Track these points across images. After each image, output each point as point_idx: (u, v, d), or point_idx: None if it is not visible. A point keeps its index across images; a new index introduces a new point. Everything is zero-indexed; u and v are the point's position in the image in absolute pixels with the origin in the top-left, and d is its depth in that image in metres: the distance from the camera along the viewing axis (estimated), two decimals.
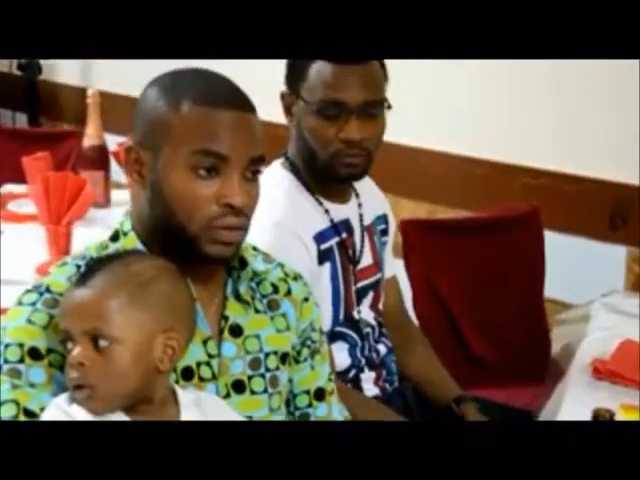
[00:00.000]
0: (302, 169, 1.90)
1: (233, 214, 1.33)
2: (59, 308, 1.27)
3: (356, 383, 1.95)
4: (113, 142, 2.95)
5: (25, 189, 2.79)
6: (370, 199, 2.03)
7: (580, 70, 2.83)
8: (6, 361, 1.27)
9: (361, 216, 1.99)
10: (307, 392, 1.51)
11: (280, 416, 1.46)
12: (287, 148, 1.94)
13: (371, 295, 2.00)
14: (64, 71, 4.22)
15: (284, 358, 1.46)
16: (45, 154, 2.82)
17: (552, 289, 2.72)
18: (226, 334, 1.40)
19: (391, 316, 2.10)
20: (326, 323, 1.85)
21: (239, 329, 1.42)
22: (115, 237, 1.41)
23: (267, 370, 1.43)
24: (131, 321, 1.23)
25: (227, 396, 1.39)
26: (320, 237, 1.88)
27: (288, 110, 1.88)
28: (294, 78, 1.85)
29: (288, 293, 1.49)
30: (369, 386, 1.97)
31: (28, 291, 1.34)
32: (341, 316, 1.93)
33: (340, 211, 1.93)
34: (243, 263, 1.44)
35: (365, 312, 1.99)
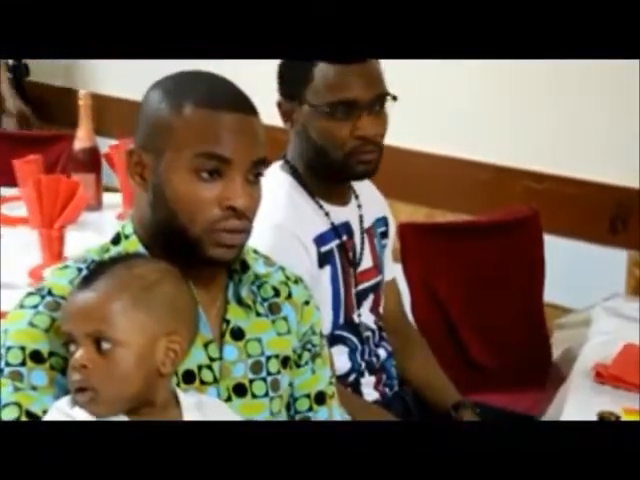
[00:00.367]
0: (303, 172, 1.94)
1: (235, 217, 1.35)
2: (62, 311, 1.30)
3: (356, 387, 1.98)
4: (104, 145, 2.99)
5: (16, 192, 2.82)
6: (370, 201, 2.06)
7: (580, 73, 2.85)
8: (8, 364, 1.30)
9: (361, 218, 2.02)
10: (308, 396, 1.53)
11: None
12: (285, 151, 1.97)
13: (371, 298, 2.03)
14: (52, 72, 4.24)
15: (285, 362, 1.48)
16: (37, 157, 2.85)
17: (552, 293, 2.75)
18: (227, 337, 1.43)
19: (391, 319, 2.13)
20: (326, 326, 1.87)
21: (240, 332, 1.44)
22: (116, 240, 1.43)
23: (268, 374, 1.46)
24: (134, 324, 1.26)
25: (228, 400, 1.41)
26: (320, 240, 1.91)
27: (288, 117, 1.91)
28: (295, 83, 1.88)
29: (289, 296, 1.52)
30: (369, 390, 2.00)
31: (30, 294, 1.36)
32: (341, 319, 1.96)
33: (340, 214, 1.97)
34: (244, 266, 1.46)
35: (365, 315, 2.02)
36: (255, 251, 1.53)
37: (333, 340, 1.91)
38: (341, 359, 1.94)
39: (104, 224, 2.75)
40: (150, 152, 1.37)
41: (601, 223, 2.92)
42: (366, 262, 2.02)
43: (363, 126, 1.85)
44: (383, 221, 2.11)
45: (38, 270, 2.29)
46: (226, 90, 1.39)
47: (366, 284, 2.02)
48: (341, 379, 1.90)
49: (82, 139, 2.91)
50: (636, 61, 2.64)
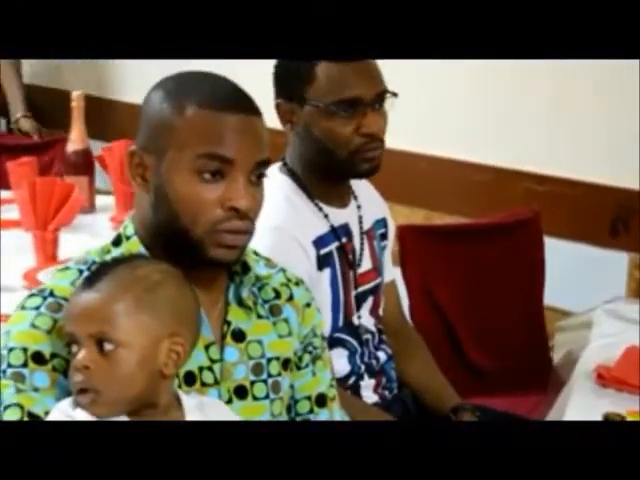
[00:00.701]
0: (302, 174, 1.97)
1: (238, 218, 1.37)
2: (64, 311, 1.32)
3: (355, 390, 2.00)
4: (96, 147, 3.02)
5: (9, 195, 2.85)
6: (369, 203, 2.09)
7: (581, 74, 2.88)
8: (10, 365, 1.32)
9: (360, 220, 2.05)
10: (308, 398, 1.55)
11: None
12: (284, 154, 2.00)
13: (371, 300, 2.06)
14: (43, 75, 4.26)
15: (286, 364, 1.50)
16: (30, 159, 2.87)
17: (552, 296, 2.77)
18: (228, 339, 1.45)
19: (390, 322, 2.16)
20: (325, 329, 1.87)
21: (241, 334, 1.46)
22: (117, 241, 1.45)
23: (269, 376, 1.47)
24: (137, 325, 1.28)
25: (229, 401, 1.43)
26: (320, 242, 1.94)
27: (287, 119, 1.94)
28: (295, 84, 1.91)
29: (290, 298, 1.53)
30: (368, 393, 2.02)
31: (32, 295, 1.38)
32: (340, 322, 1.98)
33: (339, 216, 1.99)
34: (246, 268, 1.48)
35: (365, 318, 2.04)
36: (256, 253, 1.55)
37: (332, 343, 1.93)
38: (340, 362, 1.96)
39: (97, 227, 2.77)
40: (152, 153, 1.39)
41: (602, 225, 2.94)
42: (365, 264, 2.05)
43: (368, 123, 1.89)
44: (382, 223, 2.14)
45: (33, 272, 2.31)
46: (228, 90, 1.41)
47: (366, 286, 2.04)
48: (340, 382, 1.92)
49: (75, 141, 2.93)
50: (636, 61, 2.66)
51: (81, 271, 1.40)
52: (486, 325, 2.61)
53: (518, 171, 3.09)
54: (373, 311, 2.08)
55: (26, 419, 1.30)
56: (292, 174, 1.98)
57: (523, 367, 2.60)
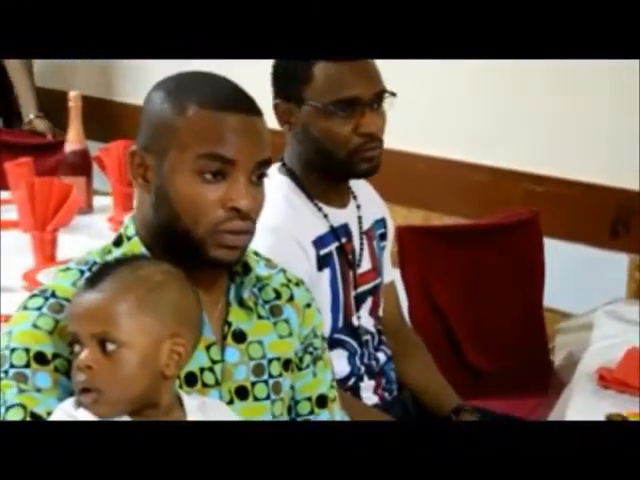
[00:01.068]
0: (301, 174, 1.98)
1: (239, 218, 1.38)
2: (67, 311, 1.33)
3: (355, 391, 2.01)
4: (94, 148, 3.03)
5: (7, 195, 2.86)
6: (368, 203, 2.10)
7: (581, 74, 2.88)
8: (12, 365, 1.33)
9: (360, 220, 2.06)
10: (309, 399, 1.56)
11: None
12: (282, 154, 2.00)
13: (370, 301, 2.07)
14: (47, 76, 4.27)
15: (287, 364, 1.51)
16: (28, 159, 2.87)
17: (552, 297, 2.78)
18: (229, 340, 1.46)
19: (390, 323, 2.16)
20: (325, 330, 1.87)
21: (242, 335, 1.47)
22: (118, 241, 1.46)
23: (270, 376, 1.48)
24: (139, 325, 1.29)
25: (230, 402, 1.44)
26: (319, 242, 1.95)
27: (286, 119, 1.95)
28: (293, 84, 1.92)
29: (290, 299, 1.54)
30: (368, 395, 2.03)
31: (33, 295, 1.39)
32: (340, 323, 1.99)
33: (339, 216, 2.00)
34: (246, 268, 1.48)
35: (364, 319, 2.05)
36: (256, 253, 1.55)
37: (332, 343, 1.94)
38: (340, 363, 1.97)
39: (95, 227, 2.78)
40: (153, 153, 1.40)
41: (602, 226, 2.94)
42: (365, 264, 2.06)
43: (367, 123, 1.90)
44: (382, 223, 2.15)
45: (32, 273, 2.32)
46: (229, 90, 1.42)
47: (365, 286, 2.05)
48: (340, 383, 1.92)
49: (72, 141, 2.94)
50: (636, 61, 2.66)
51: (82, 271, 1.41)
52: (485, 326, 2.62)
53: (517, 172, 3.10)
54: (373, 312, 2.09)
55: (28, 419, 1.31)
56: (291, 174, 1.99)
57: (523, 368, 2.61)
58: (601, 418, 1.77)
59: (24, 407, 1.32)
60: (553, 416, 2.01)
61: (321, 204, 1.99)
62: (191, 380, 1.41)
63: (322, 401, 1.57)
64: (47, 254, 2.43)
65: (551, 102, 3.02)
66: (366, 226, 2.08)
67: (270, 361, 1.49)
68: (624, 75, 2.80)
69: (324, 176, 1.97)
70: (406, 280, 2.53)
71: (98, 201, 3.01)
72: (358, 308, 2.04)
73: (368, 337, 2.06)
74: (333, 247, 1.98)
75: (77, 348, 1.29)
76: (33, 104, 3.73)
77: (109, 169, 2.94)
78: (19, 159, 2.86)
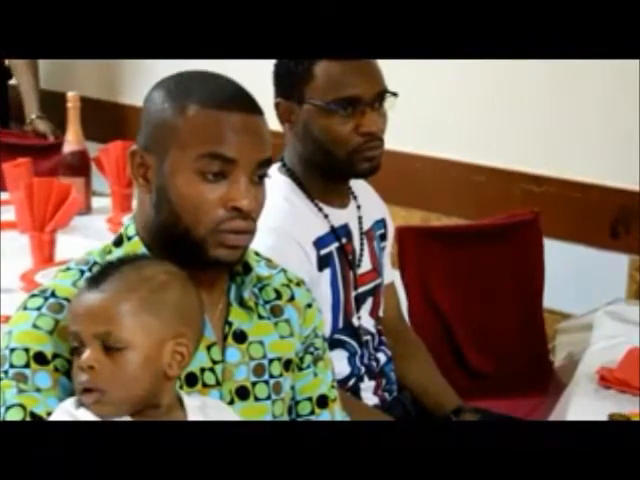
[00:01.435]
0: (301, 174, 1.98)
1: (240, 217, 1.38)
2: (69, 311, 1.33)
3: (355, 392, 2.01)
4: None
5: (6, 196, 2.87)
6: (368, 204, 2.11)
7: (581, 74, 2.89)
8: (12, 365, 1.33)
9: (360, 220, 2.06)
10: (309, 399, 1.56)
11: None
12: (282, 154, 2.01)
13: (370, 301, 2.07)
14: (51, 78, 4.27)
15: (287, 364, 1.51)
16: (26, 160, 2.88)
17: (552, 298, 2.78)
18: (230, 340, 1.46)
19: (390, 324, 2.17)
20: (325, 330, 1.88)
21: (243, 335, 1.47)
22: (119, 241, 1.46)
23: (271, 376, 1.48)
24: (142, 326, 1.29)
25: (231, 402, 1.44)
26: (320, 242, 1.96)
27: (286, 118, 1.95)
28: (294, 83, 1.92)
29: (291, 299, 1.55)
30: (368, 395, 2.03)
31: (33, 295, 1.39)
32: (340, 323, 1.99)
33: (339, 216, 2.01)
34: (247, 268, 1.49)
35: (365, 319, 2.06)
36: (257, 253, 1.56)
37: (332, 344, 1.94)
38: (340, 363, 1.97)
39: (93, 228, 2.78)
40: (153, 153, 1.40)
41: (602, 227, 2.95)
42: (365, 265, 2.06)
43: (368, 122, 1.91)
44: (382, 223, 2.15)
45: (30, 274, 2.32)
46: (230, 90, 1.42)
47: (365, 287, 2.06)
48: (340, 384, 1.92)
49: (71, 142, 2.93)
50: (636, 61, 2.68)
51: (82, 271, 1.42)
52: (485, 327, 2.62)
53: (517, 172, 3.10)
54: (373, 312, 2.09)
55: (28, 420, 1.31)
56: (291, 174, 1.99)
57: (523, 369, 2.61)
58: (602, 418, 1.77)
59: (24, 407, 1.32)
60: (553, 416, 2.01)
61: (321, 204, 1.99)
62: (192, 380, 1.41)
63: (323, 401, 1.57)
64: (45, 255, 2.43)
65: (551, 102, 3.03)
66: (366, 226, 2.09)
67: (271, 361, 1.49)
68: (624, 75, 2.80)
69: (324, 176, 1.97)
70: (406, 281, 2.54)
71: (96, 202, 3.02)
72: (358, 308, 2.04)
73: (368, 337, 2.07)
74: (333, 247, 1.99)
75: (79, 348, 1.29)
76: (35, 105, 3.72)
77: (107, 170, 2.94)
78: (17, 160, 2.86)
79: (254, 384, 1.47)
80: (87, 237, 2.65)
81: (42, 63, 4.00)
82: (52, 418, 1.30)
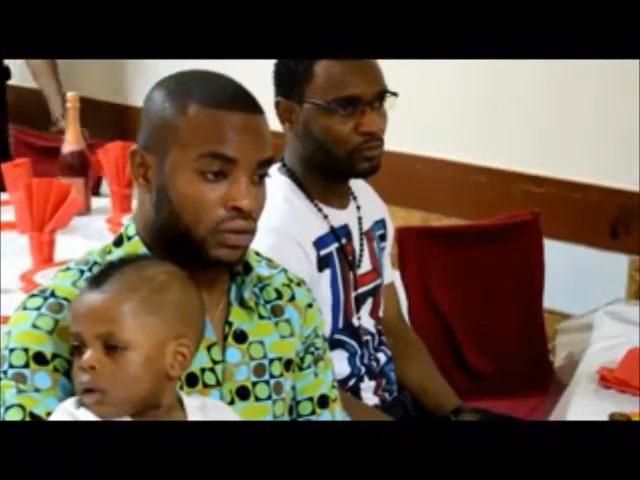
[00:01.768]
0: (301, 174, 1.98)
1: (240, 217, 1.38)
2: (70, 311, 1.32)
3: (355, 392, 2.01)
4: None
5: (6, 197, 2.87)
6: (368, 204, 2.11)
7: (580, 74, 2.89)
8: (11, 366, 1.33)
9: (360, 221, 2.06)
10: (310, 399, 1.56)
11: None
12: (282, 154, 2.01)
13: (370, 301, 2.07)
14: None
15: (288, 364, 1.51)
16: (25, 160, 2.89)
17: (552, 298, 2.78)
18: (230, 340, 1.46)
19: (389, 324, 2.17)
20: (325, 330, 1.88)
21: (243, 335, 1.47)
22: (119, 241, 1.46)
23: (271, 376, 1.48)
24: (145, 326, 1.29)
25: (231, 403, 1.44)
26: (319, 243, 1.96)
27: (287, 117, 1.95)
28: (294, 82, 1.92)
29: (292, 299, 1.55)
30: (369, 395, 2.03)
31: (33, 295, 1.39)
32: (340, 323, 1.99)
33: (339, 216, 2.01)
34: (247, 268, 1.49)
35: (365, 319, 2.06)
36: (257, 253, 1.56)
37: (332, 344, 1.94)
38: (340, 364, 1.97)
39: (92, 229, 2.78)
40: (154, 153, 1.40)
41: (602, 227, 2.95)
42: (365, 265, 2.06)
43: (368, 122, 1.91)
44: (381, 224, 2.15)
45: (29, 274, 2.32)
46: (231, 89, 1.42)
47: (365, 287, 2.06)
48: (340, 384, 1.91)
49: (70, 142, 2.93)
50: (636, 61, 2.68)
51: (82, 271, 1.42)
52: (485, 327, 2.63)
53: (517, 173, 3.10)
54: (373, 312, 2.09)
55: (27, 420, 1.31)
56: (291, 175, 2.00)
57: (523, 370, 2.61)
58: (602, 418, 1.77)
59: (23, 407, 1.32)
60: (554, 416, 2.01)
61: (321, 205, 1.99)
62: (192, 380, 1.41)
63: (323, 401, 1.58)
64: (45, 255, 2.43)
65: (551, 103, 3.02)
66: (366, 227, 2.09)
67: (271, 361, 1.49)
68: (624, 76, 2.80)
69: (324, 176, 1.98)
70: (406, 281, 2.54)
71: (96, 202, 3.02)
72: (358, 309, 2.04)
73: (368, 338, 2.07)
74: (333, 248, 1.99)
75: (80, 348, 1.29)
76: (60, 105, 3.69)
77: (107, 170, 2.94)
78: (16, 160, 2.87)
79: (254, 384, 1.47)
80: (87, 237, 2.65)
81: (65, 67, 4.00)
82: (52, 418, 1.30)
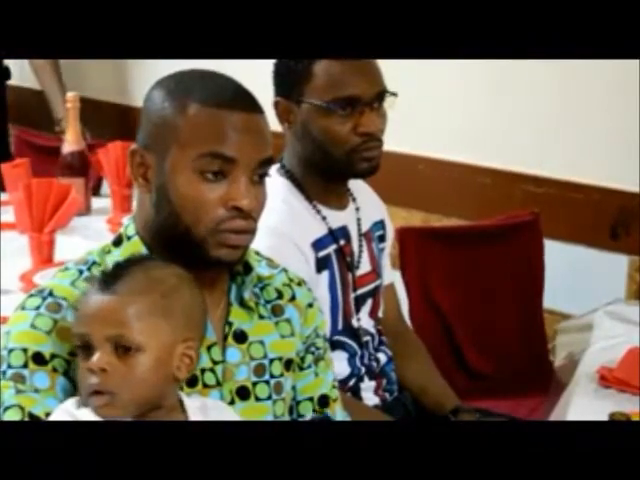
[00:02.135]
0: (300, 175, 1.98)
1: (241, 217, 1.38)
2: (77, 312, 1.31)
3: (356, 392, 2.01)
4: None
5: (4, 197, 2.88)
6: (367, 205, 2.10)
7: (581, 75, 2.88)
8: (10, 366, 1.33)
9: (359, 222, 2.06)
10: (310, 399, 1.56)
11: None
12: (281, 155, 2.01)
13: (370, 302, 2.07)
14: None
15: (288, 364, 1.51)
16: (24, 160, 2.89)
17: (552, 298, 2.78)
18: (230, 340, 1.45)
19: (389, 325, 2.17)
20: (325, 331, 1.92)
21: (243, 335, 1.47)
22: (118, 241, 1.45)
23: (271, 376, 1.48)
24: (155, 329, 1.29)
25: (231, 403, 1.44)
26: (318, 244, 1.95)
27: (285, 117, 1.95)
28: (293, 82, 1.92)
29: (292, 299, 1.54)
30: (369, 395, 2.03)
31: (31, 295, 1.39)
32: (340, 325, 1.99)
33: (338, 218, 2.01)
34: (247, 268, 1.48)
35: (364, 320, 2.05)
36: (258, 253, 1.56)
37: (332, 345, 1.92)
38: (340, 364, 1.97)
39: (92, 229, 2.78)
40: (154, 152, 1.40)
41: (602, 228, 2.94)
42: (364, 266, 2.06)
43: (367, 123, 1.90)
44: (380, 225, 2.15)
45: (29, 275, 2.32)
46: (231, 89, 1.41)
47: (365, 288, 2.05)
48: (341, 384, 1.92)
49: (70, 142, 2.93)
50: (636, 61, 2.67)
51: (81, 271, 1.41)
52: (486, 327, 2.63)
53: (517, 173, 3.09)
54: (372, 313, 2.09)
55: (26, 420, 1.31)
56: (290, 176, 1.99)
57: (523, 370, 2.61)
58: (602, 418, 1.77)
59: (22, 408, 1.32)
60: (554, 416, 2.01)
61: (320, 206, 1.99)
62: (192, 381, 1.41)
63: (324, 401, 1.57)
64: (44, 256, 2.42)
65: (551, 103, 3.02)
66: (365, 228, 2.08)
67: (271, 361, 1.49)
68: (624, 76, 2.79)
69: (323, 176, 1.97)
70: (406, 281, 2.54)
71: (96, 203, 3.02)
72: (358, 310, 2.04)
73: (368, 338, 2.06)
74: (331, 249, 1.98)
75: (86, 349, 1.28)
76: (63, 105, 3.67)
77: (107, 170, 2.94)
78: (16, 160, 2.87)
79: (255, 384, 1.47)
80: (87, 238, 2.65)
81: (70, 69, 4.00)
82: (52, 419, 1.29)
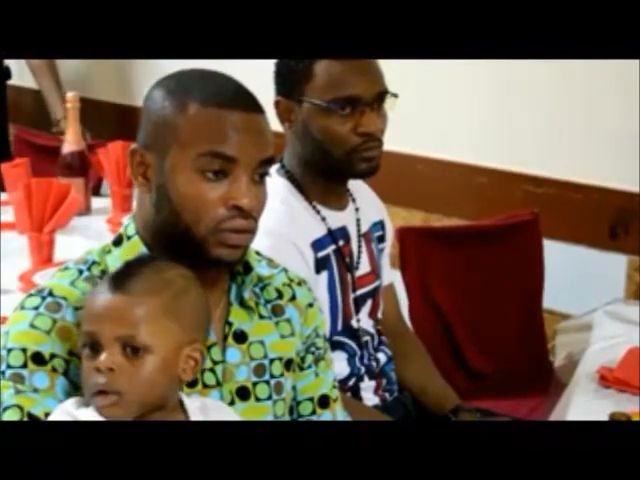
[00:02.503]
0: (300, 175, 1.98)
1: (241, 217, 1.38)
2: (85, 311, 1.31)
3: (355, 392, 2.01)
4: None
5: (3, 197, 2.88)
6: (367, 206, 2.10)
7: (580, 75, 2.88)
8: (9, 366, 1.33)
9: (358, 223, 2.06)
10: (311, 399, 1.56)
11: None
12: (281, 155, 2.01)
13: (369, 303, 2.07)
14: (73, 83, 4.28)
15: (288, 364, 1.51)
16: (24, 160, 2.89)
17: (552, 298, 2.78)
18: (230, 340, 1.45)
19: (389, 325, 2.17)
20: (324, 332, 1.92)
21: (243, 335, 1.47)
22: (118, 241, 1.45)
23: (272, 376, 1.48)
24: (165, 331, 1.28)
25: (231, 403, 1.43)
26: (317, 245, 1.95)
27: (286, 117, 1.95)
28: (294, 81, 1.92)
29: (292, 298, 1.54)
30: (369, 395, 2.03)
31: (31, 295, 1.38)
32: (339, 325, 1.99)
33: (337, 218, 2.00)
34: (247, 268, 1.48)
35: (364, 320, 2.05)
36: (258, 253, 1.55)
37: (332, 346, 1.90)
38: (340, 364, 1.97)
39: (92, 229, 2.78)
40: (154, 152, 1.39)
41: (601, 228, 2.94)
42: (364, 267, 2.06)
43: (367, 123, 1.90)
44: (380, 225, 2.15)
45: (28, 275, 2.31)
46: (231, 88, 1.41)
47: (364, 289, 2.05)
48: (340, 384, 1.91)
49: (70, 142, 2.93)
50: (636, 61, 2.67)
51: (81, 271, 1.41)
52: (485, 327, 2.62)
53: (517, 173, 3.09)
54: (372, 313, 2.09)
55: (26, 420, 1.30)
56: (290, 176, 1.99)
57: (523, 369, 2.61)
58: (602, 418, 1.77)
59: (21, 408, 1.31)
60: (554, 416, 2.01)
61: (319, 206, 1.99)
62: (192, 381, 1.40)
63: (324, 401, 1.57)
64: (44, 255, 2.42)
65: (551, 103, 3.02)
66: (364, 228, 2.08)
67: (272, 361, 1.49)
68: (624, 76, 2.79)
69: (323, 176, 1.97)
70: (406, 281, 2.54)
71: (96, 203, 3.01)
72: (358, 310, 2.03)
73: (368, 338, 2.06)
74: (331, 250, 1.98)
75: (93, 349, 1.27)
76: (61, 106, 3.68)
77: (107, 170, 2.94)
78: (15, 160, 2.86)
79: (255, 384, 1.47)
80: (87, 238, 2.64)
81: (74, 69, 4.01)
82: (51, 419, 1.29)
